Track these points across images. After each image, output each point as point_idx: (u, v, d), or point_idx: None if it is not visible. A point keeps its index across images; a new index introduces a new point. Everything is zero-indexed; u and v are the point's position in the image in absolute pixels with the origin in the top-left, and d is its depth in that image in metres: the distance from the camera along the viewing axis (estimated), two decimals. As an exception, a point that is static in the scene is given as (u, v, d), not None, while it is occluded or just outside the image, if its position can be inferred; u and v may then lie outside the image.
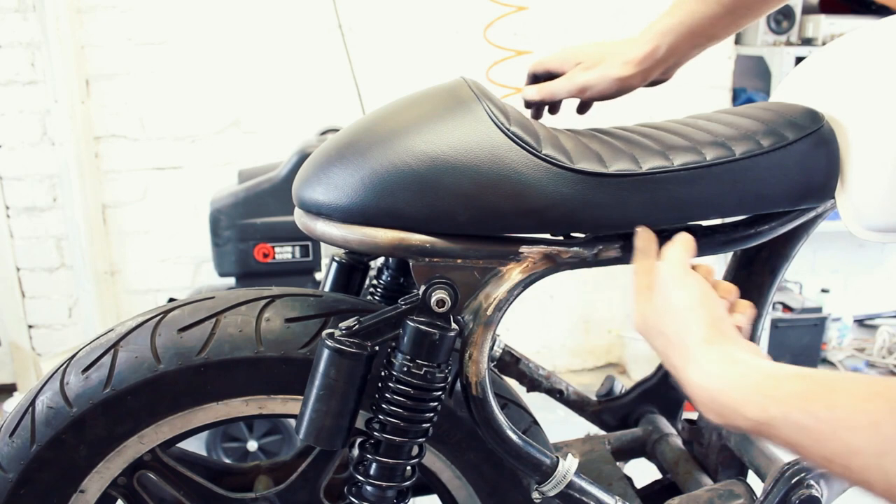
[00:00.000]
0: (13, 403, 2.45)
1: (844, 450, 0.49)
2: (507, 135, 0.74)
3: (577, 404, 1.24)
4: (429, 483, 0.94)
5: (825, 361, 2.81)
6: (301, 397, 0.77)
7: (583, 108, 1.02)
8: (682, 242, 0.73)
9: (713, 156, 0.79)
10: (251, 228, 1.96)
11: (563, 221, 0.76)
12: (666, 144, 0.82)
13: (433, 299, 0.75)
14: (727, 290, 0.72)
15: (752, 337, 1.02)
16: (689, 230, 0.82)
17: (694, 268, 0.73)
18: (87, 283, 2.49)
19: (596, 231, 0.80)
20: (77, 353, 0.82)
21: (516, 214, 0.75)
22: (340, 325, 0.76)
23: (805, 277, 2.97)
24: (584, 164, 0.76)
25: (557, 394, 1.22)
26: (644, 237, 0.78)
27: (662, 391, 1.23)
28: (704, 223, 0.85)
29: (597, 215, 0.77)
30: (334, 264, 1.02)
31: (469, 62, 2.46)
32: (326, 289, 1.02)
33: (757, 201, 0.82)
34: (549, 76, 0.99)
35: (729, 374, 0.60)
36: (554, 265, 0.79)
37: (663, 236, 0.80)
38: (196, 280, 2.63)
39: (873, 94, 0.80)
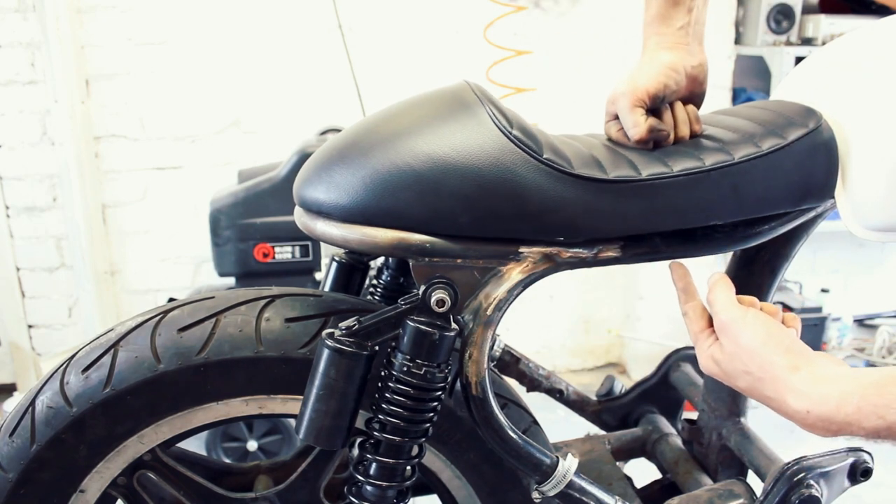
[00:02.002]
0: (13, 403, 2.45)
1: None
2: (509, 138, 0.74)
3: (577, 404, 1.24)
4: (429, 483, 0.94)
5: (825, 361, 2.81)
6: (301, 397, 0.77)
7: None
8: (724, 283, 0.77)
9: (712, 161, 0.79)
10: (251, 228, 1.96)
11: (562, 226, 0.76)
12: (665, 150, 0.82)
13: (433, 299, 0.75)
14: (773, 311, 0.75)
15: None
16: (690, 231, 0.82)
17: (739, 301, 0.76)
18: (87, 283, 2.49)
19: (595, 236, 0.80)
20: (77, 352, 0.82)
21: (516, 218, 0.75)
22: (340, 325, 0.76)
23: (805, 277, 2.96)
24: (585, 170, 0.76)
25: (557, 394, 1.22)
26: (680, 275, 0.81)
27: (662, 391, 1.23)
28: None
29: (596, 221, 0.77)
30: (334, 264, 1.02)
31: (469, 62, 2.46)
32: (326, 289, 1.02)
33: (757, 204, 0.82)
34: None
35: (831, 393, 0.63)
36: (554, 265, 0.79)
37: (666, 236, 0.80)
38: (196, 280, 2.63)
39: (873, 93, 0.80)
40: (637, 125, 0.82)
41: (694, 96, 0.89)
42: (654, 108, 0.84)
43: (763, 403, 0.70)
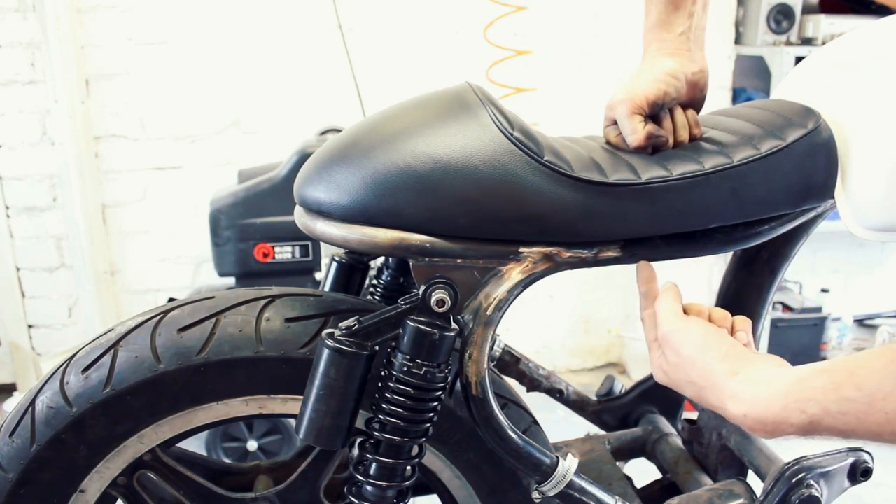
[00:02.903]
0: (13, 403, 2.45)
1: (885, 418, 0.54)
2: (510, 140, 0.75)
3: (577, 404, 1.24)
4: (429, 483, 0.94)
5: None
6: (301, 397, 0.77)
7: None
8: (669, 293, 0.78)
9: (711, 164, 0.79)
10: (251, 228, 1.96)
11: (562, 229, 0.77)
12: (664, 153, 0.82)
13: (433, 299, 0.75)
14: (721, 317, 0.77)
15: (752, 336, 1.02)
16: (689, 232, 0.82)
17: (686, 309, 0.77)
18: (87, 283, 2.49)
19: (595, 239, 0.80)
20: (77, 352, 0.82)
21: (516, 220, 0.75)
22: (340, 325, 0.76)
23: (805, 277, 2.96)
24: (585, 173, 0.76)
25: (557, 394, 1.22)
26: (644, 277, 0.81)
27: (662, 391, 1.23)
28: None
29: (596, 223, 0.77)
30: (334, 264, 1.02)
31: (469, 62, 2.46)
32: (326, 289, 1.02)
33: (757, 206, 0.82)
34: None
35: (761, 394, 0.64)
36: (553, 265, 0.79)
37: (665, 236, 0.80)
38: (196, 280, 2.63)
39: (873, 93, 0.80)
40: (635, 132, 0.82)
41: (694, 101, 0.89)
42: (654, 114, 0.84)
43: (712, 410, 0.72)
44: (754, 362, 0.69)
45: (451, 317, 0.77)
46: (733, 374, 0.69)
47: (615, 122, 0.85)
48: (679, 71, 0.85)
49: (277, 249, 1.98)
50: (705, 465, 1.11)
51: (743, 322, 0.78)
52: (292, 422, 0.82)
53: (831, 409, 0.58)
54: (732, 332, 0.77)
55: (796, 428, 0.62)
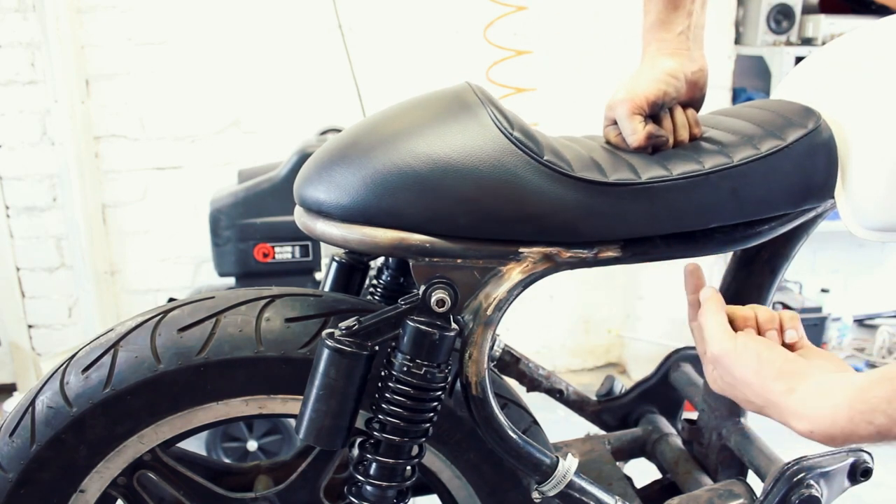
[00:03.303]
0: (13, 403, 2.45)
1: None
2: (510, 139, 0.75)
3: (577, 404, 1.24)
4: (429, 483, 0.94)
5: (825, 361, 2.81)
6: (301, 397, 0.77)
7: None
8: (712, 305, 0.77)
9: (711, 164, 0.79)
10: (251, 228, 1.96)
11: (562, 228, 0.77)
12: (664, 153, 0.82)
13: (433, 299, 0.75)
14: (768, 319, 0.76)
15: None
16: (690, 231, 0.82)
17: (732, 317, 0.76)
18: (87, 283, 2.49)
19: (595, 238, 0.80)
20: (77, 353, 0.82)
21: (516, 220, 0.75)
22: (340, 325, 0.76)
23: (805, 277, 2.96)
24: (585, 173, 0.76)
25: (557, 394, 1.22)
26: (692, 285, 0.81)
27: (662, 391, 1.23)
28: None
29: (596, 223, 0.77)
30: (334, 264, 1.02)
31: (469, 62, 2.46)
32: (326, 289, 1.02)
33: (757, 206, 0.82)
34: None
35: (824, 409, 0.64)
36: (553, 265, 0.79)
37: (665, 236, 0.80)
38: (196, 280, 2.63)
39: (873, 93, 0.80)
40: (635, 132, 0.82)
41: (694, 101, 0.89)
42: (654, 113, 0.85)
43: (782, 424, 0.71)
44: (810, 374, 0.68)
45: (451, 317, 0.77)
46: (791, 392, 0.68)
47: (615, 122, 0.85)
48: (679, 70, 0.85)
49: (277, 249, 1.98)
50: (705, 465, 1.11)
51: (791, 319, 0.77)
52: (292, 422, 0.82)
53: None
54: (781, 331, 0.76)
55: (865, 438, 0.62)
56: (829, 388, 0.65)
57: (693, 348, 1.23)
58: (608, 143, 0.86)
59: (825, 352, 0.74)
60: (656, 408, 1.24)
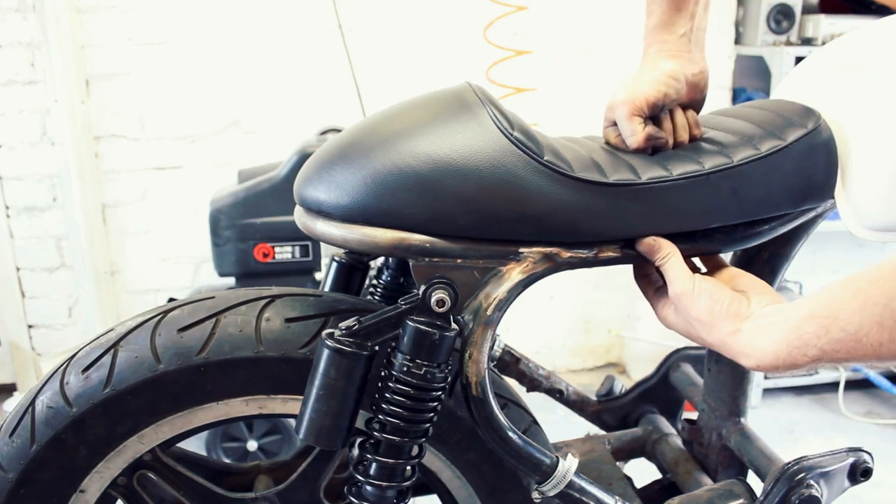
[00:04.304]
0: (13, 403, 2.45)
1: (872, 349, 0.61)
2: (510, 140, 0.75)
3: (577, 404, 1.24)
4: (429, 483, 0.94)
5: (825, 361, 2.81)
6: (301, 397, 0.77)
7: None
8: (671, 249, 0.80)
9: (711, 164, 0.79)
10: (251, 228, 1.96)
11: (562, 229, 0.77)
12: (664, 154, 0.83)
13: (433, 299, 0.75)
14: (718, 265, 0.85)
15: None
16: (689, 231, 0.82)
17: (690, 264, 0.81)
18: (87, 283, 2.49)
19: (595, 239, 0.80)
20: (77, 353, 0.82)
21: (516, 220, 0.75)
22: (340, 325, 0.76)
23: (805, 277, 2.96)
24: (585, 173, 0.76)
25: (557, 394, 1.22)
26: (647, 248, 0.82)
27: (662, 391, 1.23)
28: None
29: (596, 224, 0.77)
30: (334, 264, 1.02)
31: (469, 62, 2.46)
32: (326, 289, 1.02)
33: (757, 206, 0.82)
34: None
35: (766, 346, 0.71)
36: (554, 265, 0.79)
37: (665, 236, 0.80)
38: (196, 280, 2.63)
39: (873, 93, 0.80)
40: (635, 133, 0.82)
41: (694, 102, 0.89)
42: (653, 115, 0.85)
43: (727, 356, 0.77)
44: (750, 315, 0.74)
45: (451, 317, 0.77)
46: (737, 333, 0.74)
47: (615, 124, 0.85)
48: (679, 72, 0.85)
49: (277, 249, 1.98)
50: (705, 465, 1.11)
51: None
52: (292, 422, 0.82)
53: (827, 349, 0.65)
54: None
55: (805, 367, 0.69)
56: (767, 327, 0.72)
57: (694, 348, 1.23)
58: (608, 143, 0.86)
59: (757, 279, 0.80)
60: (656, 408, 1.24)
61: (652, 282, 0.85)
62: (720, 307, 0.75)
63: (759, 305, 0.75)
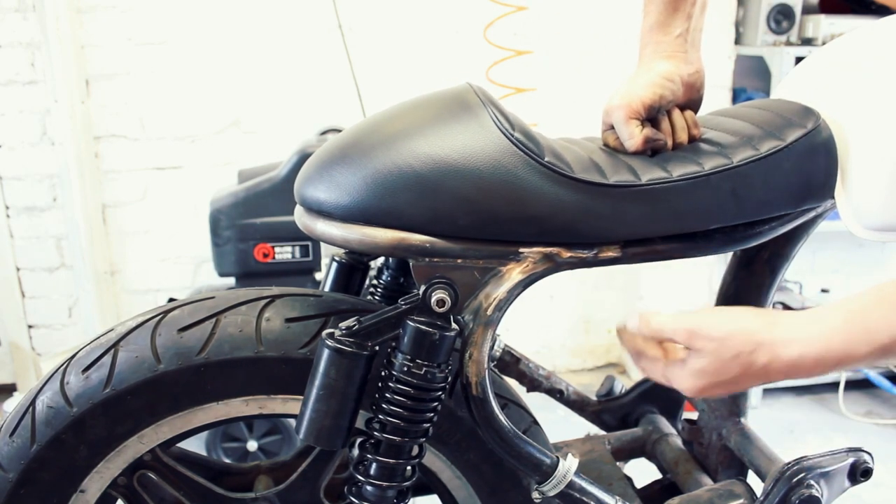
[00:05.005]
0: (13, 403, 2.45)
1: None
2: (511, 140, 0.75)
3: (577, 404, 1.24)
4: (429, 483, 0.94)
5: (825, 361, 2.81)
6: (301, 397, 0.77)
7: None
8: (652, 315, 0.77)
9: (711, 165, 0.79)
10: (251, 228, 1.96)
11: (562, 229, 0.77)
12: (664, 155, 0.83)
13: (433, 299, 0.75)
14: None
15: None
16: (690, 232, 0.82)
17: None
18: (87, 283, 2.49)
19: (595, 240, 0.80)
20: (77, 353, 0.82)
21: (516, 221, 0.75)
22: (340, 325, 0.76)
23: (805, 277, 2.96)
24: (585, 175, 0.76)
25: (557, 394, 1.22)
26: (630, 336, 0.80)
27: (662, 391, 1.23)
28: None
29: (596, 224, 0.77)
30: (334, 264, 1.02)
31: (469, 62, 2.46)
32: (326, 289, 1.02)
33: (757, 207, 0.82)
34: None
35: (816, 332, 0.66)
36: (554, 265, 0.79)
37: (666, 237, 0.80)
38: (196, 280, 2.63)
39: (873, 93, 0.80)
40: (633, 136, 0.82)
41: (691, 102, 0.89)
42: (651, 117, 0.85)
43: (765, 380, 0.71)
44: (787, 313, 0.70)
45: (452, 317, 0.77)
46: (774, 325, 0.69)
47: (613, 127, 0.85)
48: (674, 73, 0.85)
49: (277, 249, 1.98)
50: (705, 466, 1.11)
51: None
52: (292, 422, 0.82)
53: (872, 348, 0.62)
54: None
55: (861, 359, 0.64)
56: (819, 315, 0.67)
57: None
58: (607, 146, 0.86)
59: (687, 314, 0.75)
60: (656, 408, 1.24)
61: (655, 356, 0.79)
62: (740, 313, 0.72)
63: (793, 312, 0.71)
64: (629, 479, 1.10)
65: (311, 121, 2.45)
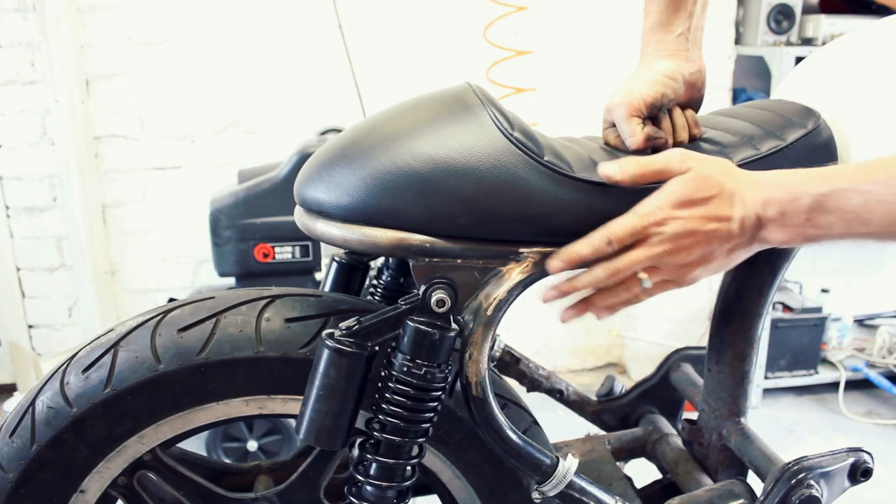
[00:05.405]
0: (13, 403, 2.45)
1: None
2: (510, 140, 0.75)
3: (577, 404, 1.24)
4: (429, 483, 0.94)
5: (825, 361, 2.81)
6: (301, 397, 0.77)
7: None
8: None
9: None
10: (251, 228, 1.96)
11: (562, 229, 0.76)
12: None
13: (433, 299, 0.75)
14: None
15: (752, 338, 1.02)
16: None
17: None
18: (87, 283, 2.49)
19: None
20: (77, 353, 0.82)
21: (516, 220, 0.75)
22: (340, 325, 0.76)
23: (805, 277, 2.96)
24: (585, 174, 0.76)
25: (557, 394, 1.22)
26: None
27: (662, 391, 1.23)
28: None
29: (596, 224, 0.77)
30: (334, 264, 1.02)
31: (469, 62, 2.46)
32: (326, 289, 1.02)
33: None
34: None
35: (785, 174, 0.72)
36: (554, 265, 0.79)
37: None
38: (196, 280, 2.63)
39: (873, 93, 0.80)
40: (634, 134, 0.82)
41: (692, 101, 0.89)
42: (652, 115, 0.85)
43: (734, 223, 0.71)
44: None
45: (452, 317, 0.77)
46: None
47: (614, 125, 0.85)
48: (676, 72, 0.85)
49: (277, 249, 1.98)
50: (705, 466, 1.11)
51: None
52: (292, 422, 0.82)
53: (859, 185, 0.65)
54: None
55: (814, 197, 0.67)
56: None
57: (694, 348, 1.23)
58: (608, 144, 0.87)
59: None
60: (656, 408, 1.24)
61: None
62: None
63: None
64: (629, 479, 1.10)
65: (311, 121, 2.45)
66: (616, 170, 0.74)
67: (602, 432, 1.22)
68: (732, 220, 0.70)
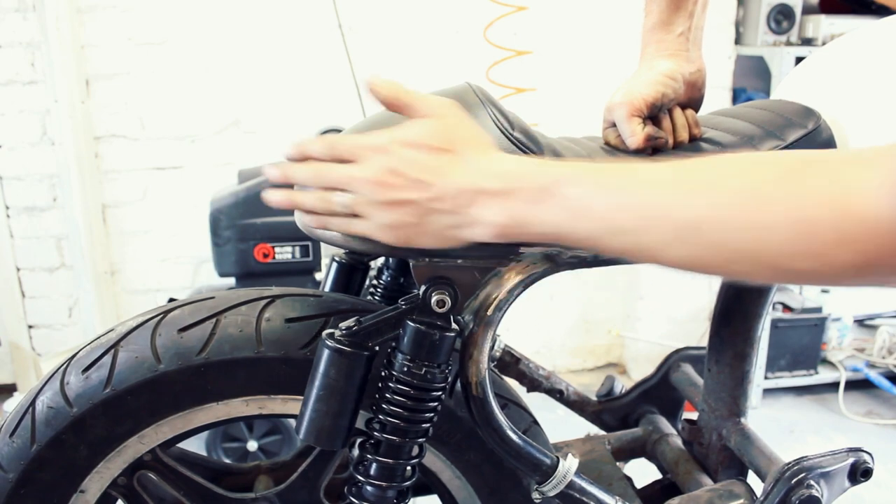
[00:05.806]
0: (13, 403, 2.45)
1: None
2: (510, 140, 0.75)
3: (577, 404, 1.24)
4: (429, 483, 0.94)
5: (825, 361, 2.81)
6: (301, 397, 0.77)
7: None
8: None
9: None
10: (251, 228, 1.96)
11: None
12: (664, 155, 0.83)
13: (433, 299, 0.75)
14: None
15: (752, 338, 1.02)
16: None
17: None
18: (87, 283, 2.49)
19: None
20: (77, 353, 0.82)
21: None
22: (340, 325, 0.76)
23: (805, 277, 2.96)
24: None
25: (557, 394, 1.22)
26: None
27: (662, 391, 1.23)
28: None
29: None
30: (334, 264, 1.02)
31: (469, 62, 2.46)
32: (326, 289, 1.02)
33: None
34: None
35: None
36: (554, 265, 0.79)
37: None
38: (196, 280, 2.63)
39: (873, 93, 0.80)
40: (634, 134, 0.82)
41: (693, 101, 0.89)
42: (652, 115, 0.85)
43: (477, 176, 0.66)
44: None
45: (452, 317, 0.77)
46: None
47: (614, 125, 0.85)
48: (676, 72, 0.85)
49: (277, 249, 1.98)
50: (705, 466, 1.11)
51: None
52: (292, 422, 0.82)
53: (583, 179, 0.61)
54: None
55: (535, 190, 0.62)
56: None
57: (694, 348, 1.23)
58: (608, 144, 0.87)
59: None
60: (656, 408, 1.24)
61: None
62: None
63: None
64: (629, 479, 1.10)
65: (311, 121, 2.45)
66: (377, 82, 0.70)
67: (602, 432, 1.22)
68: (445, 179, 0.66)
